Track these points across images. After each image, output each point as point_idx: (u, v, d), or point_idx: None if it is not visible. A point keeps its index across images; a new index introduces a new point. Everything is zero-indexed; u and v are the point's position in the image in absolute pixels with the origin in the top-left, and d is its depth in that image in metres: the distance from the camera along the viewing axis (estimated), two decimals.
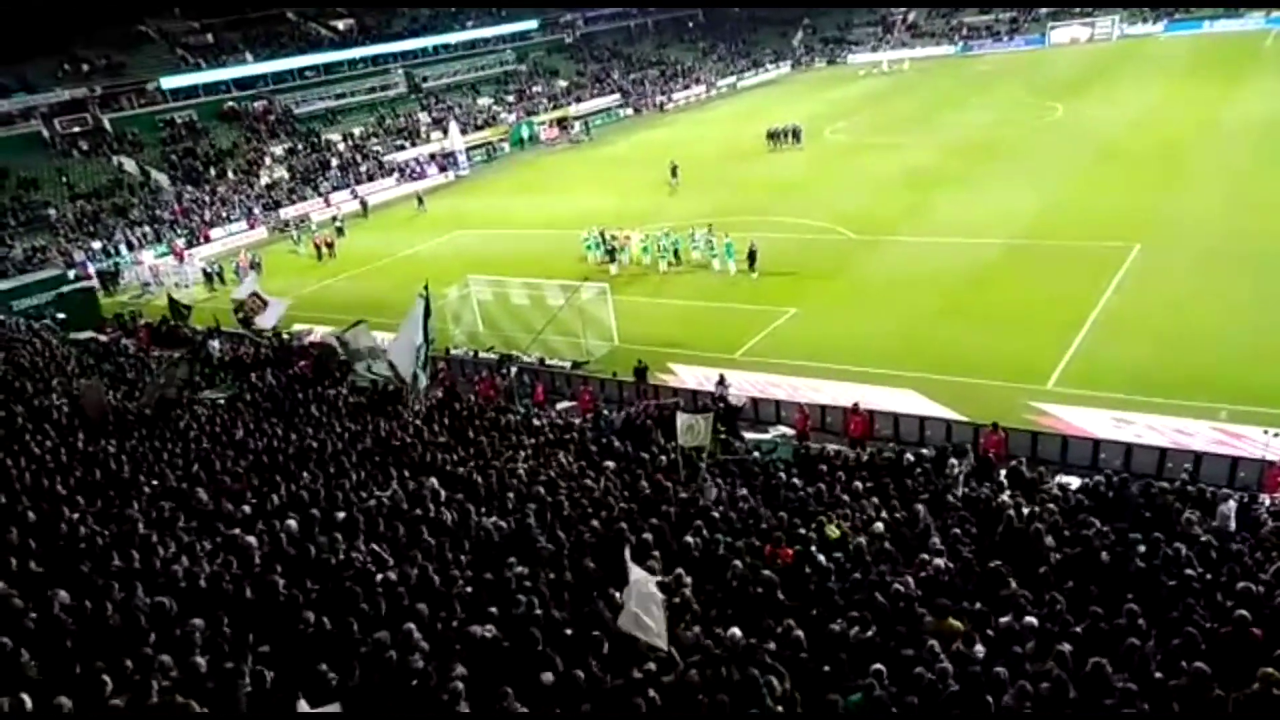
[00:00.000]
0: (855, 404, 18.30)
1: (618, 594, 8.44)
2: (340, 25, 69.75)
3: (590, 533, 10.84)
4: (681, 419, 15.23)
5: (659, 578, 8.79)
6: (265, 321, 25.42)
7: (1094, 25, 77.00)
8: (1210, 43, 66.93)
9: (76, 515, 11.21)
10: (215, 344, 25.06)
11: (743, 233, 31.13)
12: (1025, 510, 11.58)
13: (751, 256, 29.42)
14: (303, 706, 6.59)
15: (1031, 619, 8.40)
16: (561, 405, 21.82)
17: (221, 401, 18.66)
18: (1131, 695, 6.75)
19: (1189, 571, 9.33)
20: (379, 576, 9.25)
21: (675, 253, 31.61)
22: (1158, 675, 7.13)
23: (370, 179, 55.17)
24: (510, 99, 70.47)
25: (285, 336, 26.71)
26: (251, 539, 10.27)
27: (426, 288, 19.27)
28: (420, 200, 50.18)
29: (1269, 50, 60.69)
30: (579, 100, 72.31)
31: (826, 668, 7.55)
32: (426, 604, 8.47)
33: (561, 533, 10.92)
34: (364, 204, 50.90)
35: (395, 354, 19.14)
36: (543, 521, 11.28)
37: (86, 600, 8.27)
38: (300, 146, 57.95)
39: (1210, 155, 36.66)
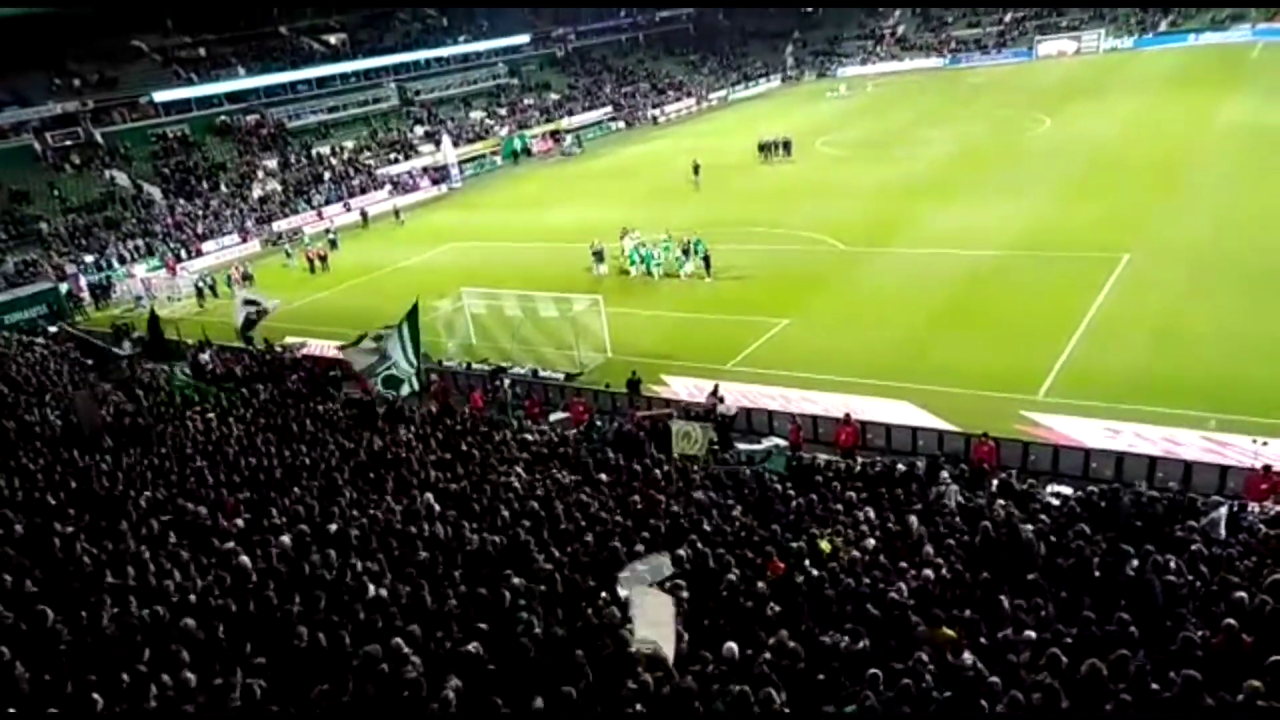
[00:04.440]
0: (846, 414, 18.36)
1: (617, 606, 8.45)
2: (332, 39, 69.89)
3: (584, 548, 10.84)
4: (677, 426, 15.24)
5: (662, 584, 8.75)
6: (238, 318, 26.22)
7: (1080, 39, 77.69)
8: (1197, 55, 67.59)
9: (68, 530, 11.17)
10: (206, 356, 25.01)
11: (733, 244, 31.32)
12: (1014, 518, 11.62)
13: (706, 261, 30.74)
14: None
15: (1027, 629, 8.45)
16: (555, 416, 21.83)
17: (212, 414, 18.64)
18: (1124, 704, 6.80)
19: (1180, 580, 9.39)
20: (371, 592, 9.24)
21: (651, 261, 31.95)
22: (1153, 686, 7.16)
23: (363, 192, 55.25)
24: (502, 112, 70.67)
25: (278, 349, 26.70)
26: (244, 557, 10.24)
27: (416, 306, 19.27)
28: (398, 214, 50.61)
29: (1255, 61, 61.35)
30: (571, 113, 72.58)
31: (821, 677, 7.57)
32: (420, 620, 8.47)
33: (555, 549, 10.91)
34: (364, 215, 51.03)
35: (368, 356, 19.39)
36: (538, 536, 11.28)
37: (81, 615, 8.24)
38: (293, 160, 57.96)
39: (1198, 166, 36.99)
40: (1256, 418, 16.59)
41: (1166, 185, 34.71)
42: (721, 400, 20.00)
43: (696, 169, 47.37)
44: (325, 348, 27.31)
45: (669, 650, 7.62)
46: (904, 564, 10.31)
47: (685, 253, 31.48)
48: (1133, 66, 66.91)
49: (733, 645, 7.99)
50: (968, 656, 7.73)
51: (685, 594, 9.15)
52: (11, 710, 6.45)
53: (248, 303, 26.91)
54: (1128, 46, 75.52)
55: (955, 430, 18.14)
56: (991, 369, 20.91)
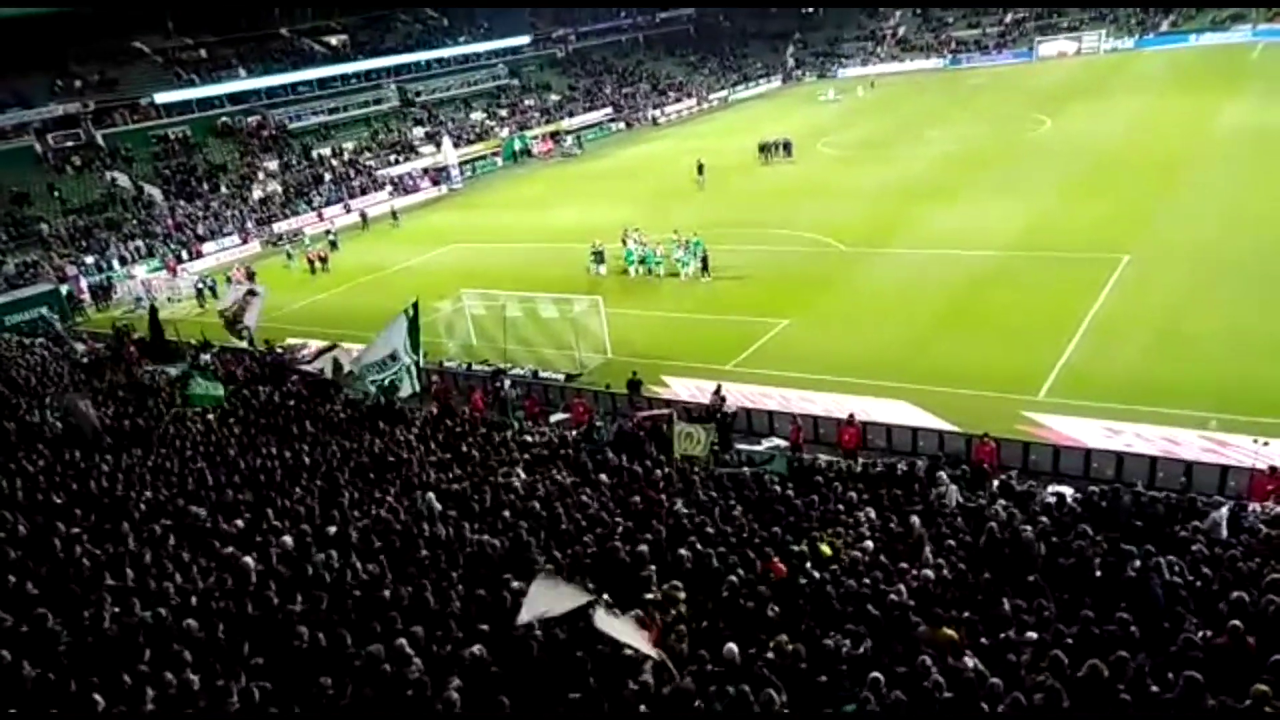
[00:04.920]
0: (850, 415, 18.34)
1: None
2: (333, 40, 69.92)
3: (584, 549, 10.83)
4: (679, 427, 15.20)
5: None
6: (249, 319, 25.79)
7: (1081, 39, 77.73)
8: (1197, 56, 67.60)
9: (71, 532, 11.16)
10: (207, 358, 24.98)
11: (733, 245, 31.30)
12: (1015, 518, 11.61)
13: (704, 261, 30.99)
14: None
15: (1028, 630, 8.44)
16: (555, 417, 21.83)
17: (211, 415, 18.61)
18: (1124, 705, 6.79)
19: (1181, 580, 9.37)
20: (372, 593, 9.23)
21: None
22: (1154, 688, 7.15)
23: (364, 193, 55.28)
24: (503, 113, 70.71)
25: (279, 350, 26.67)
26: (247, 558, 10.22)
27: (416, 305, 19.28)
28: (395, 215, 50.73)
29: (1256, 62, 61.34)
30: (571, 114, 72.59)
31: (823, 678, 7.55)
32: (422, 621, 8.46)
33: (556, 549, 10.90)
34: (364, 216, 51.09)
35: (362, 358, 19.30)
36: (538, 537, 11.27)
37: (83, 615, 8.24)
38: (293, 161, 58.02)
39: (1199, 166, 36.98)
40: (1258, 417, 16.56)
41: (1167, 186, 34.70)
42: (724, 400, 20.00)
43: (700, 168, 47.47)
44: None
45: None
46: (904, 564, 10.30)
47: (686, 252, 31.54)
48: (1133, 67, 66.92)
49: (733, 646, 7.98)
50: (969, 659, 7.72)
51: (682, 595, 9.15)
52: (13, 711, 6.45)
53: (250, 293, 26.80)
54: (1128, 47, 75.55)
55: (956, 430, 18.13)
56: (992, 369, 20.90)
